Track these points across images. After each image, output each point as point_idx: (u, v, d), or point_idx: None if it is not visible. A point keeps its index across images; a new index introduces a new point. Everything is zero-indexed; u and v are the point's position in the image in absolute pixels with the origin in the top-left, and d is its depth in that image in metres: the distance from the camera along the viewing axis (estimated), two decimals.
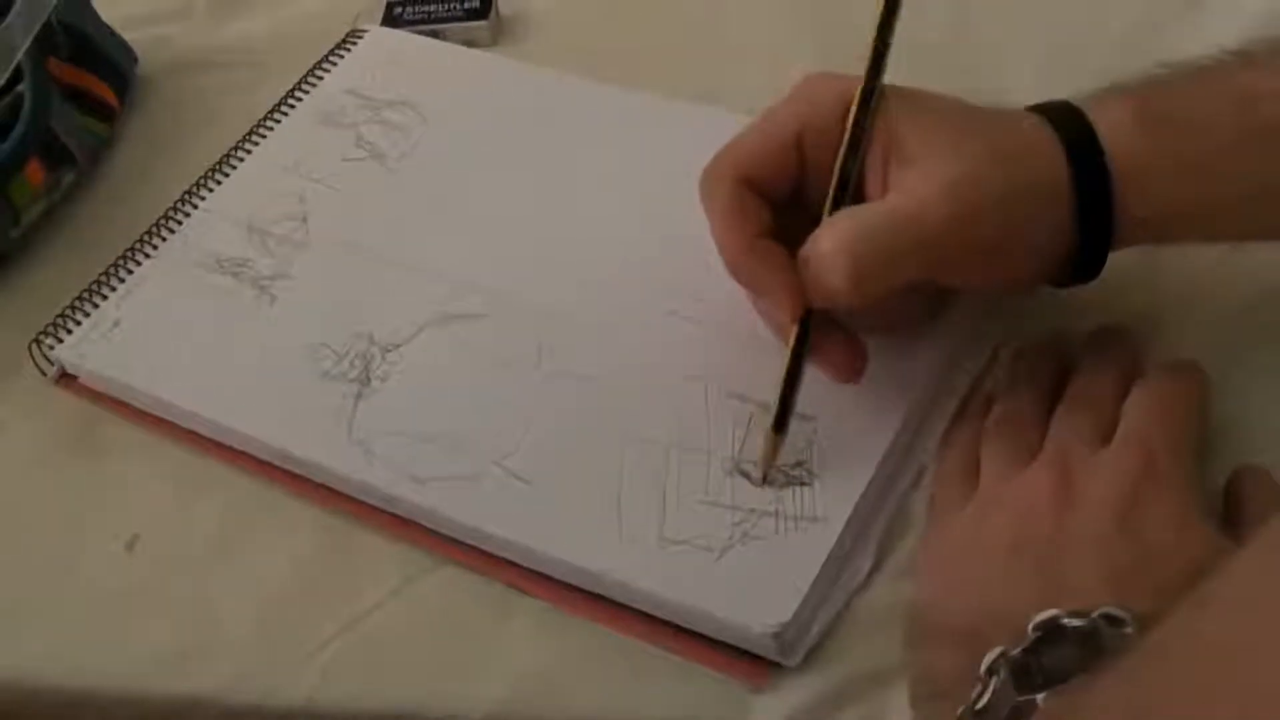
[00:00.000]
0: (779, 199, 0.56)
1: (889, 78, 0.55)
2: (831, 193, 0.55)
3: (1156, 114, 0.54)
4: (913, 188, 0.53)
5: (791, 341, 0.55)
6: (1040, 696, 0.45)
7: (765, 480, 0.56)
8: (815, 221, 0.55)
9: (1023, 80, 0.66)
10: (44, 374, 0.66)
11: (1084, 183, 0.54)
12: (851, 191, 0.55)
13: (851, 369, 0.56)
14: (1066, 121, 0.55)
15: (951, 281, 0.57)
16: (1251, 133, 0.53)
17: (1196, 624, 0.38)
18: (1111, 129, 0.54)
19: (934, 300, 0.59)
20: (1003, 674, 0.46)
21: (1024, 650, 0.46)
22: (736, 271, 0.56)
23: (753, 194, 0.56)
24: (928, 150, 0.54)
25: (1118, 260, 0.62)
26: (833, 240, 0.53)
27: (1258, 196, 0.55)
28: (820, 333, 0.55)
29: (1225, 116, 0.54)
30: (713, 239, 0.56)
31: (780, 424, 0.55)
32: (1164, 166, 0.54)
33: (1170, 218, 0.55)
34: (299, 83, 0.74)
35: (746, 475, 0.56)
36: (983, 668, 0.47)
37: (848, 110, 0.55)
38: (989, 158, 0.54)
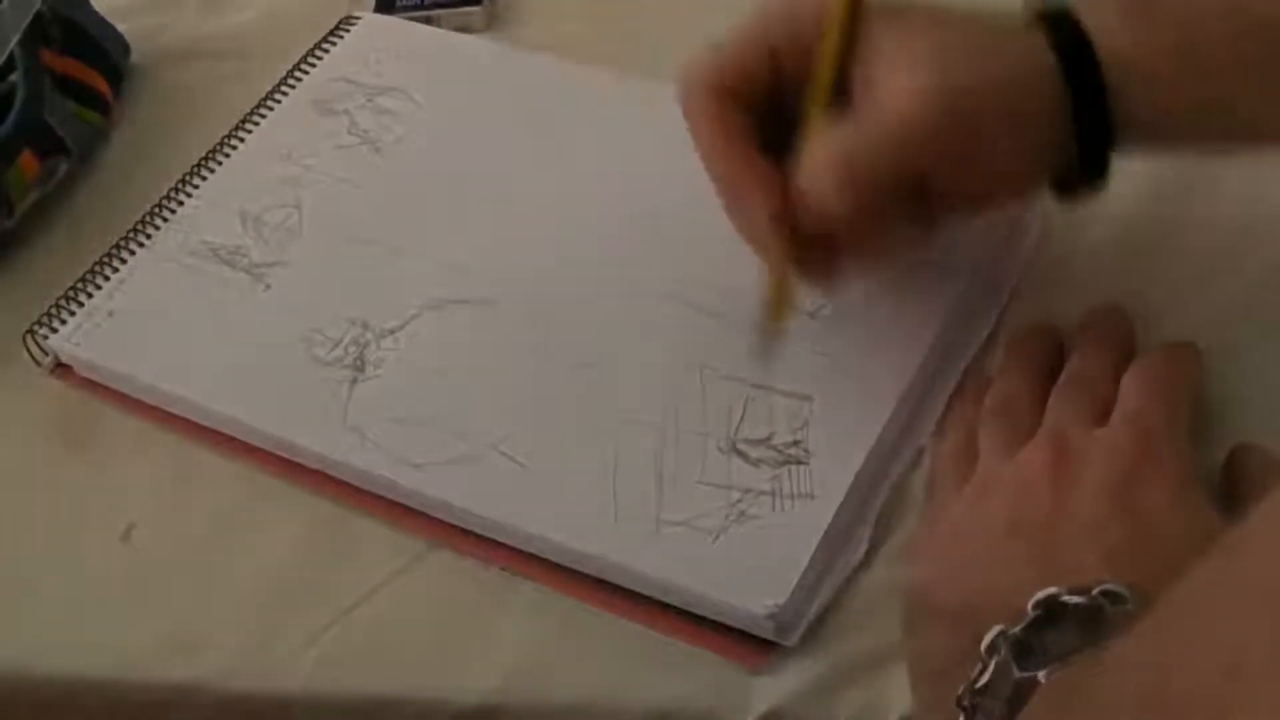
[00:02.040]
0: (757, 110, 0.56)
1: None
2: (815, 99, 0.55)
3: (1147, 10, 0.54)
4: (898, 90, 0.53)
5: (775, 258, 0.55)
6: (1042, 674, 0.45)
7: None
8: (792, 133, 0.55)
9: None
10: (39, 364, 0.66)
11: (1075, 76, 0.53)
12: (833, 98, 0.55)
13: (833, 274, 0.56)
14: (1055, 20, 0.54)
15: (947, 185, 0.55)
16: (1240, 30, 0.53)
17: (1223, 573, 0.37)
18: (1101, 22, 0.53)
19: (924, 221, 0.57)
20: (1003, 652, 0.46)
21: (1024, 628, 0.46)
22: (720, 178, 0.56)
23: (727, 98, 0.56)
24: (909, 53, 0.53)
25: (1115, 240, 0.62)
26: (821, 152, 0.53)
27: (1252, 93, 0.54)
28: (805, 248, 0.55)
29: (1212, 13, 0.53)
30: (697, 149, 0.56)
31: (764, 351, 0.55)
32: (1155, 60, 0.53)
33: (1166, 113, 0.54)
34: (292, 70, 0.74)
35: (743, 455, 0.56)
36: (983, 646, 0.47)
37: (823, 19, 0.55)
38: (975, 54, 0.53)
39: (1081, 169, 0.55)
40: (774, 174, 0.55)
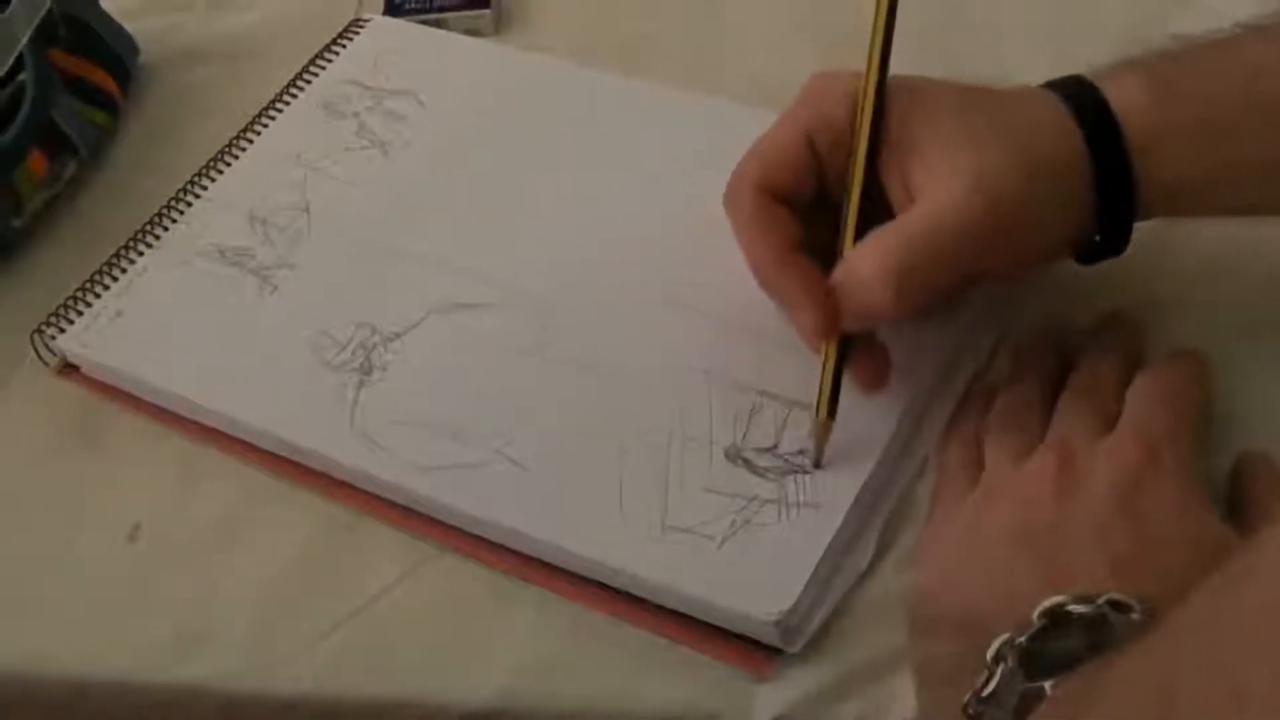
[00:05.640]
0: (802, 203, 0.56)
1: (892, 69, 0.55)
2: (853, 202, 0.55)
3: (1167, 85, 0.54)
4: (940, 189, 0.53)
5: (826, 359, 0.55)
6: (1049, 683, 0.45)
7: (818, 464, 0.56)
8: (837, 223, 0.55)
9: (1021, 61, 0.65)
10: (46, 364, 0.66)
11: (1101, 153, 0.54)
12: (872, 195, 0.55)
13: (882, 380, 0.56)
14: (1078, 95, 0.55)
15: (982, 271, 0.56)
16: (1258, 106, 0.54)
17: (1231, 596, 0.37)
18: (1123, 100, 0.54)
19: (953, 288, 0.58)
20: (1009, 661, 0.46)
21: (1030, 637, 0.46)
22: (768, 287, 0.56)
23: (777, 203, 0.56)
24: (944, 145, 0.54)
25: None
26: (874, 262, 0.53)
27: (1270, 167, 0.55)
28: (855, 348, 0.56)
29: (1234, 89, 0.54)
30: (743, 254, 0.56)
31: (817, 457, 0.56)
32: (1177, 135, 0.54)
33: (1186, 186, 0.55)
34: (301, 72, 0.74)
35: (749, 463, 0.56)
36: (989, 655, 0.47)
37: (856, 106, 0.55)
38: (1008, 142, 0.53)
39: (1103, 238, 0.56)
40: (818, 282, 0.55)
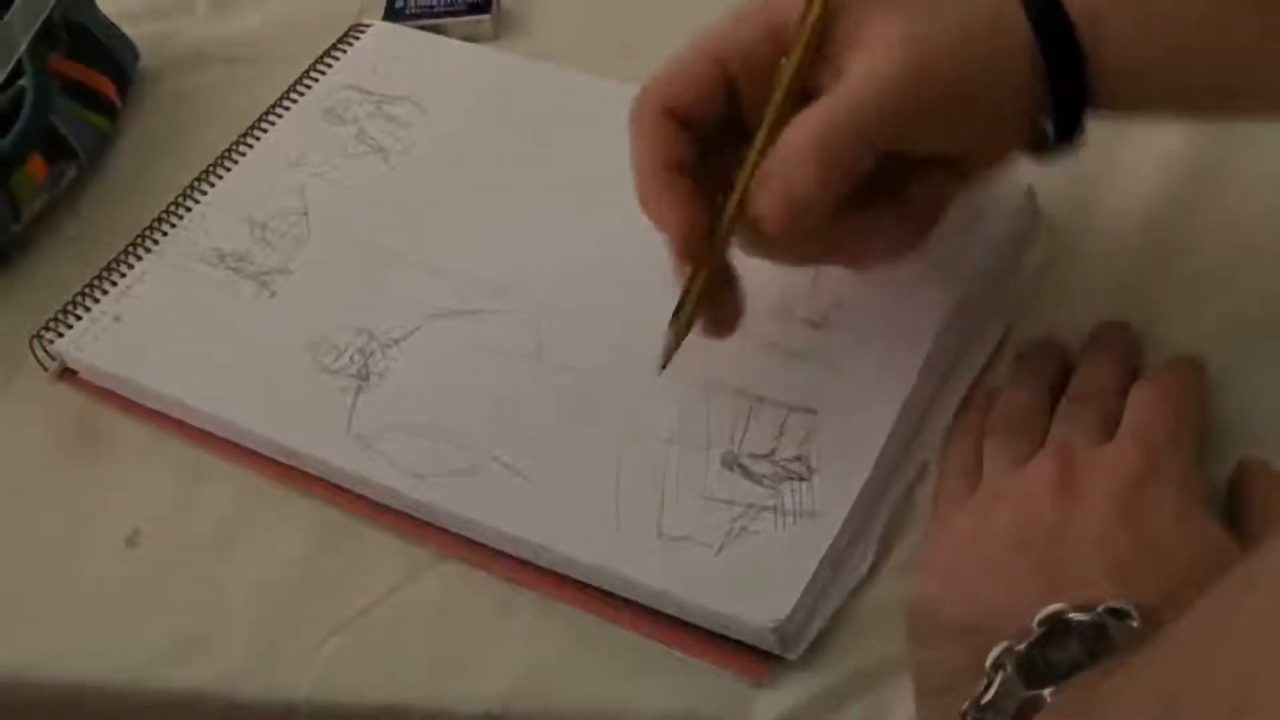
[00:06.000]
0: (705, 126, 0.55)
1: None
2: (781, 94, 0.53)
3: None
4: (868, 57, 0.51)
5: (693, 280, 0.54)
6: (1048, 691, 0.45)
7: (663, 368, 0.54)
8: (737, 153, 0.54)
9: None
10: (45, 369, 0.66)
11: (1047, 32, 0.52)
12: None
13: (730, 326, 0.55)
14: None
15: (920, 146, 0.54)
16: None
17: (1235, 608, 0.37)
18: None
19: (908, 221, 0.56)
20: (1009, 669, 0.46)
21: (1029, 645, 0.46)
22: (643, 203, 0.55)
23: (673, 122, 0.55)
24: (874, 15, 0.52)
25: (1120, 254, 0.62)
26: (797, 134, 0.51)
27: (1225, 59, 0.53)
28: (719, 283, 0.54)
29: None
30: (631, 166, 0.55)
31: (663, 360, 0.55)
32: (1125, 16, 0.52)
33: (1138, 70, 0.53)
34: (301, 78, 0.74)
35: (746, 469, 0.56)
36: (988, 662, 0.47)
37: (773, 29, 0.53)
38: (941, 9, 0.52)
39: (1057, 130, 0.54)
40: (691, 204, 0.54)
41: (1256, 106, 0.56)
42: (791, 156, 0.51)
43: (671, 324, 0.54)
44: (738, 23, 0.55)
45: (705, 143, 0.55)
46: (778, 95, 0.53)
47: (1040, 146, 0.55)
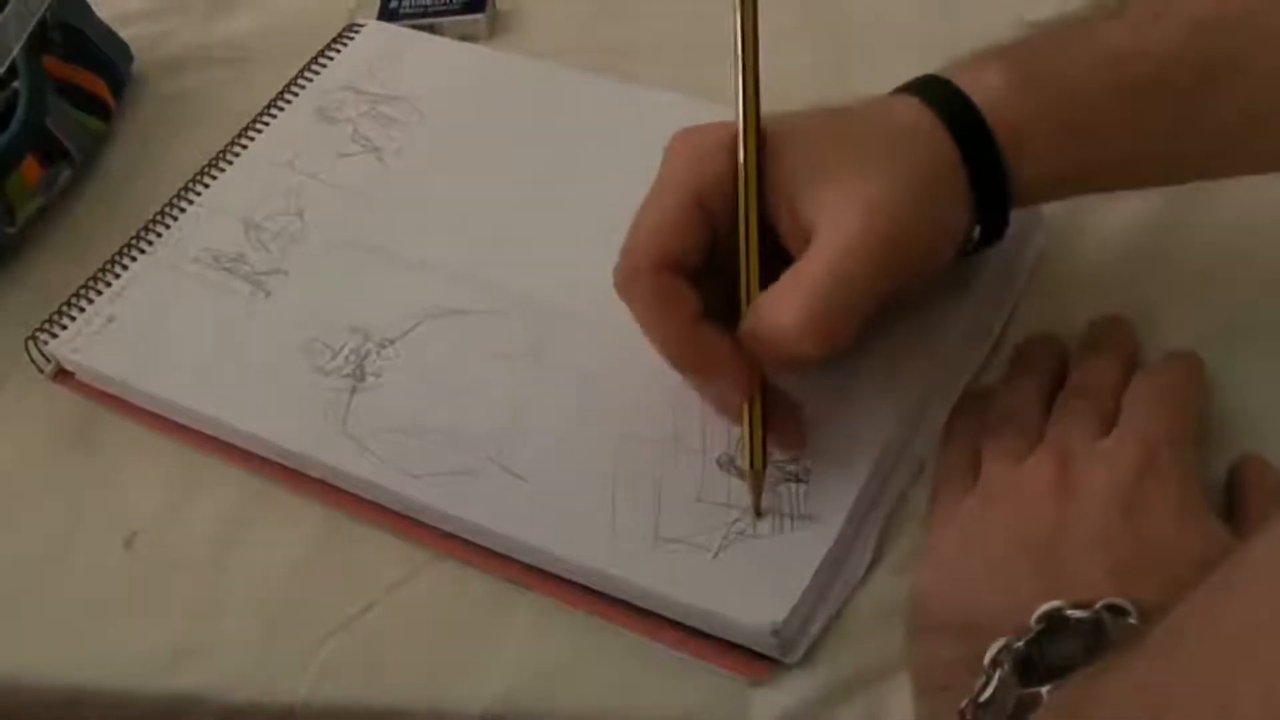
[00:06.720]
0: (697, 268, 0.55)
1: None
2: (746, 252, 0.54)
3: (1029, 77, 0.54)
4: (835, 223, 0.52)
5: (751, 412, 0.54)
6: (1045, 689, 0.45)
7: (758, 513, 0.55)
8: (732, 278, 0.54)
9: None
10: (40, 370, 0.66)
11: (972, 153, 0.53)
12: (765, 241, 0.54)
13: (803, 439, 0.55)
14: (943, 98, 0.54)
15: (889, 292, 0.55)
16: (1121, 91, 0.54)
17: (1218, 608, 0.37)
18: (987, 96, 0.54)
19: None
20: (1006, 666, 0.46)
21: (1027, 642, 0.46)
22: (681, 365, 0.55)
23: (676, 277, 0.54)
24: (827, 177, 0.53)
25: (1118, 251, 0.62)
26: (793, 312, 0.51)
27: (1137, 153, 0.55)
28: (769, 404, 0.55)
29: (1096, 78, 0.54)
30: (646, 336, 0.55)
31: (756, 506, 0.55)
32: (1043, 128, 0.54)
33: (1058, 176, 0.55)
34: (295, 78, 0.74)
35: (742, 472, 0.56)
36: (986, 660, 0.47)
37: (732, 154, 0.54)
38: (887, 161, 0.53)
39: (983, 230, 0.56)
40: (731, 347, 0.53)
41: (1171, 182, 0.59)
42: (787, 334, 0.52)
43: (749, 471, 0.54)
44: (702, 161, 0.55)
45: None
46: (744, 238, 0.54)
47: (964, 250, 0.57)
